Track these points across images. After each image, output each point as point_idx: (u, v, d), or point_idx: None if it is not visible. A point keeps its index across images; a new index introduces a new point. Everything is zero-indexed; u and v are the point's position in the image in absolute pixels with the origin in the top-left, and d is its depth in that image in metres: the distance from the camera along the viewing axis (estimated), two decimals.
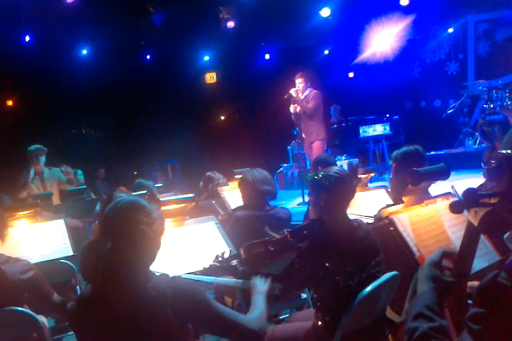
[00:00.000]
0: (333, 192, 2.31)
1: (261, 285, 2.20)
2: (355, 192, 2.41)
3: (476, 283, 1.44)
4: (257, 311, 1.96)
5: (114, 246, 1.73)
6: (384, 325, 2.37)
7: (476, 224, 1.22)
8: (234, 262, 2.39)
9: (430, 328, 1.23)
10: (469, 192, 1.18)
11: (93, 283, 1.78)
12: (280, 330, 2.60)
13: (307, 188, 2.59)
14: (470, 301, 1.21)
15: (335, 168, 2.39)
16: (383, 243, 2.35)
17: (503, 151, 1.19)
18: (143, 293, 1.69)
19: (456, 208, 1.21)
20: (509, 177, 1.18)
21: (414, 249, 1.84)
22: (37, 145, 5.73)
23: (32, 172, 5.61)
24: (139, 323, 1.67)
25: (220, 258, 2.40)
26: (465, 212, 1.26)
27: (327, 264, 2.18)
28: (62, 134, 10.40)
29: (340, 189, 2.32)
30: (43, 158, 5.71)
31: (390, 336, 2.36)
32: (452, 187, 2.11)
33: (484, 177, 3.37)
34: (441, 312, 1.28)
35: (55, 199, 5.68)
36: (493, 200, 1.17)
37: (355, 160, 9.30)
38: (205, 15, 10.58)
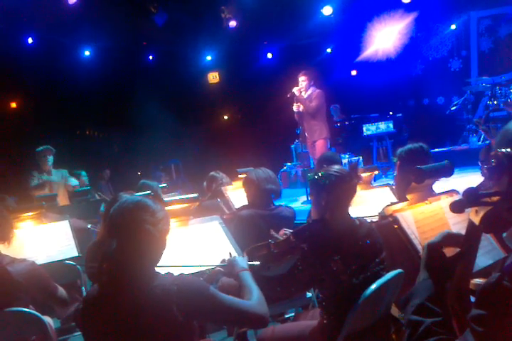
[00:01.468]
0: (334, 192, 2.29)
1: (242, 262, 2.18)
2: (356, 190, 2.39)
3: (479, 280, 1.43)
4: (255, 293, 1.94)
5: (119, 246, 1.74)
6: (389, 322, 2.36)
7: (477, 222, 1.22)
8: None
9: (434, 323, 1.22)
10: (470, 191, 1.18)
11: (99, 283, 1.78)
12: (286, 329, 2.60)
13: None
14: (472, 298, 1.21)
15: (335, 167, 2.37)
16: (388, 241, 2.34)
17: (503, 150, 1.18)
18: (149, 291, 1.69)
19: (456, 207, 1.21)
20: (510, 176, 1.17)
21: (419, 247, 1.84)
22: (45, 146, 5.83)
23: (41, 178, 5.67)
24: (145, 322, 1.68)
25: (224, 262, 2.38)
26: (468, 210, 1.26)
27: (330, 262, 2.17)
28: (66, 135, 10.42)
29: (341, 188, 2.30)
30: (50, 158, 5.80)
31: (393, 335, 2.34)
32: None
33: (482, 175, 3.35)
34: (443, 302, 1.27)
35: (63, 200, 5.72)
36: (493, 199, 1.17)
37: (355, 159, 9.29)
38: (207, 15, 10.58)
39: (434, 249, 1.36)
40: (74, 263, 3.44)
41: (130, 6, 9.73)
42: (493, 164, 1.20)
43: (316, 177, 2.34)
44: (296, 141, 10.12)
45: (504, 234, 1.30)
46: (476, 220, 1.22)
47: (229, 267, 2.20)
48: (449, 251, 1.37)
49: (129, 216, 1.76)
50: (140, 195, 3.09)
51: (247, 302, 1.86)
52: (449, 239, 1.37)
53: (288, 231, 2.55)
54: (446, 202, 2.00)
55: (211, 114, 13.44)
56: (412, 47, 11.76)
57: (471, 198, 1.18)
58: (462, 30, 11.63)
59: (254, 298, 1.90)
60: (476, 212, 1.22)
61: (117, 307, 1.71)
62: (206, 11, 10.48)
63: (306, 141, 7.20)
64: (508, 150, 1.18)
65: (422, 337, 1.21)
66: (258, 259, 2.38)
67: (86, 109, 11.07)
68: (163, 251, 1.84)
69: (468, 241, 1.32)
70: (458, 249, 1.35)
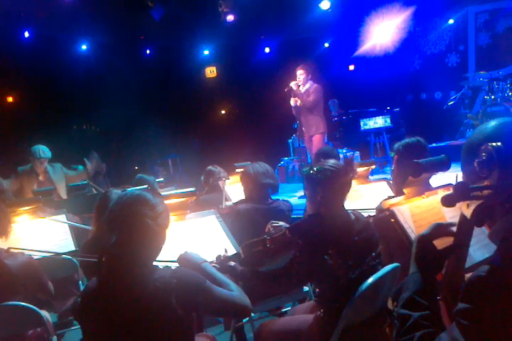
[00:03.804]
0: (329, 186, 2.27)
1: (197, 255, 2.13)
2: (351, 185, 2.38)
3: None
4: (232, 284, 1.95)
5: (118, 240, 1.75)
6: (385, 316, 2.37)
7: (468, 216, 1.22)
8: (232, 263, 2.37)
9: (421, 317, 1.22)
10: (461, 185, 1.18)
11: (98, 277, 1.79)
12: (283, 323, 2.61)
13: None
14: None
15: (330, 162, 2.34)
16: (384, 235, 2.34)
17: (493, 144, 1.18)
18: (148, 285, 1.70)
19: (447, 201, 1.20)
20: (499, 170, 1.18)
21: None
22: (41, 151, 5.61)
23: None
24: (145, 315, 1.69)
25: (220, 259, 2.38)
26: None
27: (326, 257, 2.17)
28: (63, 130, 10.40)
29: (336, 183, 2.28)
30: (45, 163, 5.65)
31: (386, 328, 2.35)
32: (457, 176, 2.11)
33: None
34: (432, 296, 1.28)
35: (63, 194, 5.67)
36: (484, 193, 1.17)
37: (350, 153, 9.30)
38: (205, 9, 10.54)
39: (424, 241, 1.36)
40: (71, 257, 3.43)
41: (127, 0, 9.68)
42: (484, 158, 1.20)
43: (311, 171, 2.33)
44: (294, 135, 10.12)
45: (487, 232, 1.30)
46: (468, 214, 1.22)
47: (185, 262, 2.11)
48: (441, 244, 1.37)
49: (129, 210, 1.76)
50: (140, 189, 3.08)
51: (234, 294, 1.88)
52: (440, 230, 1.37)
53: (275, 223, 2.54)
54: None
55: (209, 109, 13.42)
56: (409, 42, 11.76)
57: (462, 192, 1.18)
58: (460, 24, 11.61)
59: (234, 289, 1.91)
60: (468, 205, 1.23)
61: (116, 301, 1.71)
62: (203, 5, 10.44)
63: (303, 135, 7.18)
64: (499, 144, 1.18)
65: (410, 331, 1.21)
66: (254, 255, 2.38)
67: (83, 103, 11.04)
68: (162, 245, 1.84)
69: (460, 234, 1.32)
70: (450, 241, 1.36)
